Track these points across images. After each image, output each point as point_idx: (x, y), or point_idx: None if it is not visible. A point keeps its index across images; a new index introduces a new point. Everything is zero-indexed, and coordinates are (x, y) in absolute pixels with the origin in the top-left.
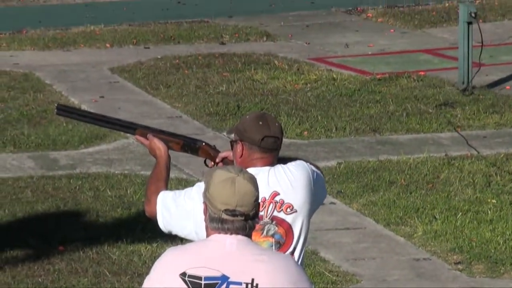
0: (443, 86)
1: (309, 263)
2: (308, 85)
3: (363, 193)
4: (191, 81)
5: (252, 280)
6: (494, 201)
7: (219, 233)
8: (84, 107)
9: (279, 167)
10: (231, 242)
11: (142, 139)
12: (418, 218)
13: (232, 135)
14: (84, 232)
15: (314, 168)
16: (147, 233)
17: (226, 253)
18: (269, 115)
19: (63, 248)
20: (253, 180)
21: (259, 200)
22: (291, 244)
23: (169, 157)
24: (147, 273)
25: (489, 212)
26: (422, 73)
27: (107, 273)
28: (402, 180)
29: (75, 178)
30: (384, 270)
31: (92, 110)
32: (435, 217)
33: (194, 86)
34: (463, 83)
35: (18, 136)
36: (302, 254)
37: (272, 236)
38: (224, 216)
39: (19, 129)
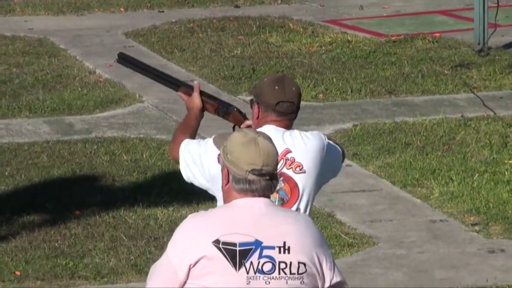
0: (459, 47)
1: (326, 225)
2: (323, 47)
3: (379, 155)
4: (205, 44)
5: (284, 243)
6: (511, 161)
7: (246, 195)
8: (99, 71)
9: (296, 130)
10: (259, 206)
11: (183, 95)
12: (435, 179)
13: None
14: (100, 197)
15: (331, 142)
16: (163, 197)
17: (257, 218)
18: (288, 78)
19: (79, 212)
20: (271, 140)
21: None
22: (294, 203)
23: (201, 115)
24: (170, 241)
25: (506, 173)
26: (438, 34)
27: (124, 237)
28: (418, 142)
29: (90, 143)
30: (401, 232)
31: (106, 75)
32: (451, 179)
33: (209, 49)
34: (478, 44)
35: (33, 101)
36: None
37: (277, 191)
38: (251, 176)
39: (34, 94)
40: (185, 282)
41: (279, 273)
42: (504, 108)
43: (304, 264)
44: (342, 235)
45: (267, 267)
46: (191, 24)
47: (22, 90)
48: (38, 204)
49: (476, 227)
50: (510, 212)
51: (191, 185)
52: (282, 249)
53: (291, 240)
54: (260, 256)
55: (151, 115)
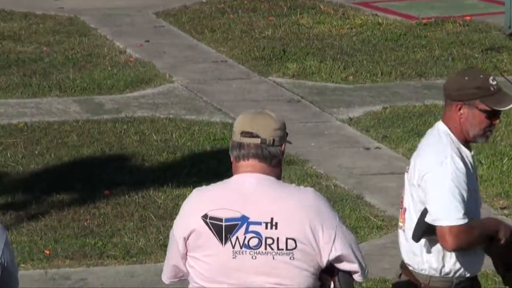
0: (489, 31)
1: (354, 207)
2: (354, 29)
3: (409, 137)
4: (236, 25)
5: (271, 219)
6: None
7: (240, 163)
8: (129, 51)
9: None
10: (250, 181)
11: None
12: None
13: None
14: (129, 176)
15: None
16: (192, 177)
17: (246, 193)
18: None
19: (108, 192)
20: (275, 117)
21: (283, 136)
22: None
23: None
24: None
25: None
26: (468, 17)
27: (153, 217)
28: None
29: (120, 122)
30: None
31: (137, 54)
32: (480, 162)
33: (240, 30)
34: (509, 27)
35: (64, 80)
36: None
37: None
38: (242, 139)
39: (65, 73)
40: (186, 253)
41: (266, 248)
42: None
43: (294, 240)
44: (371, 218)
45: (253, 242)
46: (222, 5)
47: (53, 69)
48: (67, 183)
49: (505, 211)
50: None
51: (220, 165)
52: (269, 224)
53: (279, 216)
54: (247, 231)
55: (181, 95)
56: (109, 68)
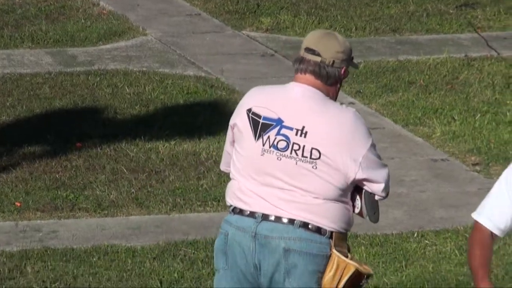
0: None
1: None
2: None
3: (382, 93)
4: None
5: (303, 127)
6: None
7: (298, 75)
8: (102, 3)
9: None
10: (297, 90)
11: None
12: (437, 118)
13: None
14: (102, 129)
15: None
16: (165, 130)
17: (289, 99)
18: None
19: (80, 144)
20: (341, 40)
21: (345, 59)
22: None
23: None
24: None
25: (507, 113)
26: None
27: (125, 170)
28: (421, 81)
29: (93, 75)
30: (402, 170)
31: (110, 7)
32: (453, 118)
33: None
34: None
35: (36, 32)
36: None
37: None
38: (304, 54)
39: (37, 25)
40: (234, 142)
41: (291, 153)
42: (507, 49)
43: (319, 152)
44: None
45: (282, 144)
46: None
47: (25, 20)
48: (39, 135)
49: (477, 167)
50: (511, 152)
51: (193, 118)
52: (299, 132)
53: (310, 126)
54: (278, 133)
55: (154, 48)
56: (82, 20)
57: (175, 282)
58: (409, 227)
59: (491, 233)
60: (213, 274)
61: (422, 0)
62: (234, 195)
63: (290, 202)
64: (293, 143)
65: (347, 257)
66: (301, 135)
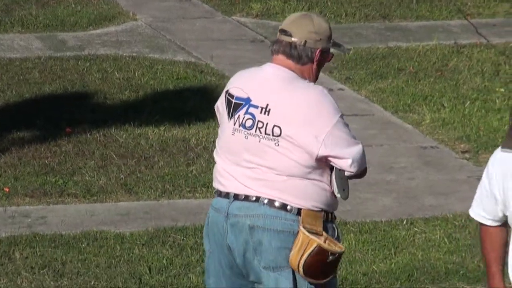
0: None
1: None
2: None
3: (372, 79)
4: None
5: (267, 105)
6: (502, 90)
7: (273, 56)
8: None
9: None
10: (267, 70)
11: None
12: (426, 105)
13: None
14: (91, 115)
15: None
16: (154, 116)
17: (259, 79)
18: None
19: (70, 130)
20: (316, 21)
21: (319, 40)
22: None
23: None
24: None
25: (497, 101)
26: None
27: (114, 156)
28: (411, 67)
29: (83, 60)
30: (391, 157)
31: None
32: (443, 105)
33: None
34: None
35: (26, 17)
36: None
37: None
38: (278, 35)
39: (27, 9)
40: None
41: (256, 131)
42: (497, 36)
43: (280, 129)
44: None
45: (248, 123)
46: None
47: (15, 5)
48: (28, 120)
49: (466, 155)
50: (500, 140)
51: (183, 104)
52: (263, 110)
53: (274, 104)
54: (246, 112)
55: (144, 33)
56: (73, 5)
57: (164, 269)
58: (398, 214)
59: (490, 225)
60: (202, 261)
61: None
62: (215, 178)
63: (256, 180)
64: (258, 121)
65: (321, 235)
66: (265, 113)
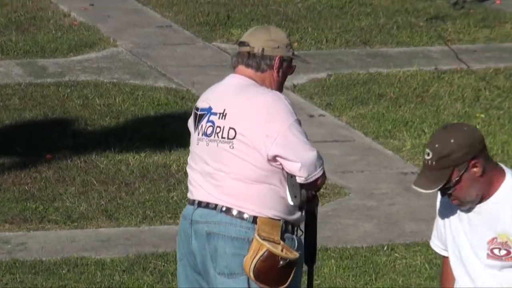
0: (434, 0)
1: None
2: None
3: (353, 105)
4: None
5: (224, 110)
6: (482, 115)
7: (234, 69)
8: (73, 14)
9: None
10: (228, 80)
11: None
12: (407, 131)
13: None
14: (72, 141)
15: None
16: (135, 142)
17: (220, 89)
18: None
19: (50, 156)
20: (273, 31)
21: (277, 47)
22: None
23: None
24: None
25: (477, 127)
26: None
27: (95, 182)
28: (392, 93)
29: (63, 86)
30: (372, 183)
31: (81, 18)
32: (423, 131)
33: None
34: None
35: (6, 43)
36: None
37: None
38: (238, 48)
39: (7, 35)
40: None
41: (214, 136)
42: (477, 62)
43: (235, 130)
44: None
45: (209, 130)
46: None
47: None
48: (9, 146)
49: None
50: None
51: (164, 130)
52: (221, 115)
53: (230, 108)
54: (208, 121)
55: (125, 59)
56: (53, 31)
57: None
58: (379, 240)
59: (446, 256)
60: None
61: (392, 12)
62: (188, 189)
63: (217, 186)
64: (217, 127)
65: (278, 244)
66: (222, 118)
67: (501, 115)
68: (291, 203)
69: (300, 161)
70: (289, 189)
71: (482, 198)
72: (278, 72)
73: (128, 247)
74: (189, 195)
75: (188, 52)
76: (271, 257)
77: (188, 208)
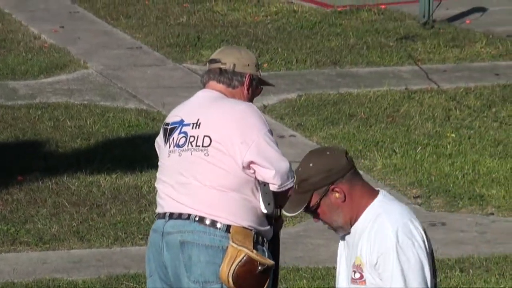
0: (404, 20)
1: None
2: (269, 17)
3: (323, 126)
4: (151, 12)
5: (198, 119)
6: (453, 135)
7: (205, 86)
8: (44, 36)
9: None
10: (199, 94)
11: None
12: (378, 151)
13: None
14: (43, 162)
15: None
16: (106, 163)
17: (192, 103)
18: None
19: (22, 178)
20: (242, 50)
21: (247, 65)
22: None
23: None
24: None
25: (448, 146)
26: (383, 6)
27: (66, 204)
28: (362, 113)
29: (34, 108)
30: None
31: (51, 40)
32: (394, 151)
33: (155, 17)
34: (424, 16)
35: None
36: None
37: None
38: (208, 65)
39: None
40: None
41: (188, 146)
42: (447, 81)
43: (210, 138)
44: None
45: (182, 141)
46: None
47: None
48: None
49: (418, 200)
50: (451, 185)
51: (135, 151)
52: (195, 125)
53: (204, 117)
54: (180, 132)
55: (96, 81)
56: (24, 54)
57: None
58: None
59: None
60: None
61: (362, 32)
62: (157, 203)
63: (190, 196)
64: (190, 136)
65: (252, 252)
66: (196, 127)
67: (471, 134)
68: (264, 210)
69: (275, 169)
70: (262, 196)
71: (353, 221)
72: (248, 90)
73: (100, 268)
74: (159, 209)
75: (158, 74)
76: (249, 261)
77: (159, 222)
